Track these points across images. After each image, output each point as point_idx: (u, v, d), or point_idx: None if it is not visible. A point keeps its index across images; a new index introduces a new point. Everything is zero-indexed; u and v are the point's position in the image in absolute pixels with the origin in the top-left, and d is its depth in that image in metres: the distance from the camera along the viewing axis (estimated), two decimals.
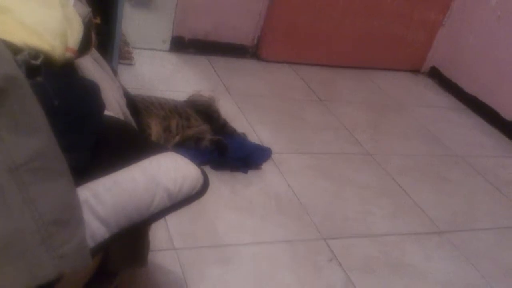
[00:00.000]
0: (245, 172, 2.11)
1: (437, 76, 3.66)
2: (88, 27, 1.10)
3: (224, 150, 2.13)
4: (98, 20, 2.28)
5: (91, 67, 1.24)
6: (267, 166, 2.20)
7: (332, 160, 2.38)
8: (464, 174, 2.56)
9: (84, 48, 1.06)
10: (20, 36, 0.89)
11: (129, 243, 1.17)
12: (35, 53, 0.89)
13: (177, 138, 2.12)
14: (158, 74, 2.82)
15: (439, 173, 2.51)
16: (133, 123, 1.37)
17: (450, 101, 3.42)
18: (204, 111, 2.26)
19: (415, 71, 3.76)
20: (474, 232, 2.12)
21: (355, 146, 2.56)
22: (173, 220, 1.73)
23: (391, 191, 2.26)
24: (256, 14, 3.17)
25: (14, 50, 0.86)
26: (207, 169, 2.00)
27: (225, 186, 2.01)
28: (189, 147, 2.12)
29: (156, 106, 2.11)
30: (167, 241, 1.67)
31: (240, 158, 2.13)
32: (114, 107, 1.25)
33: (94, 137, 0.96)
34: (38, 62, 0.89)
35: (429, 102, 3.36)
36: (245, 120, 2.51)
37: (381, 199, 2.18)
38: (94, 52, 1.32)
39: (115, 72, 1.55)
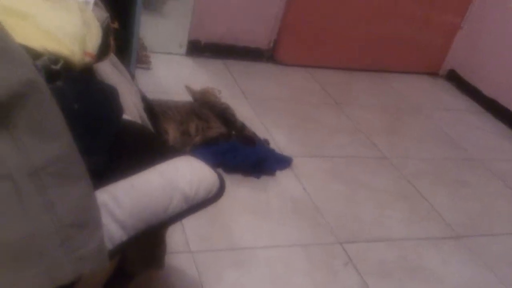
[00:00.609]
0: (258, 177, 2.11)
1: (455, 79, 3.63)
2: (106, 32, 1.12)
3: (253, 143, 2.17)
4: (116, 25, 2.30)
5: (110, 71, 1.26)
6: (282, 170, 2.20)
7: (348, 164, 2.38)
8: (482, 178, 2.53)
9: (102, 52, 1.08)
10: (39, 41, 0.91)
11: (146, 245, 1.19)
12: (55, 58, 0.91)
13: (198, 139, 2.13)
14: (175, 78, 2.84)
15: (456, 176, 2.48)
16: (151, 127, 1.38)
17: (468, 104, 3.39)
18: (221, 114, 2.27)
19: (433, 74, 3.73)
20: (492, 237, 2.10)
21: (371, 150, 2.55)
22: (189, 223, 1.74)
23: (408, 195, 2.24)
24: (272, 18, 3.18)
25: (34, 55, 0.88)
26: (219, 172, 2.01)
27: (240, 190, 2.01)
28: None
29: (173, 110, 2.13)
30: (183, 244, 1.68)
31: (252, 163, 2.13)
32: (132, 111, 1.26)
33: (112, 141, 0.97)
34: (57, 67, 0.91)
35: (447, 105, 3.33)
36: (260, 124, 2.51)
37: (397, 203, 2.17)
38: (112, 56, 1.33)
39: (132, 76, 1.57)
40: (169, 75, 2.85)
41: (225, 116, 2.27)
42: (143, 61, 2.80)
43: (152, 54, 2.91)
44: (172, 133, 2.05)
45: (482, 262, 1.93)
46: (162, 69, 2.87)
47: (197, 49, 3.12)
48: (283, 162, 2.23)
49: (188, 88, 2.42)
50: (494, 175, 2.56)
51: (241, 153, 2.14)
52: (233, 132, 2.26)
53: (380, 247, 1.89)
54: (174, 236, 1.67)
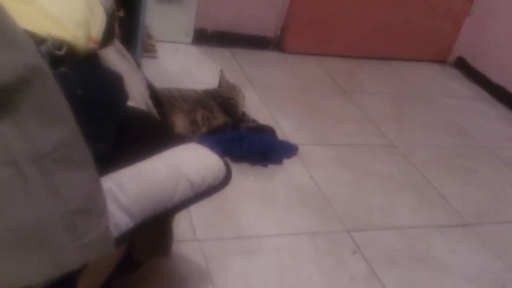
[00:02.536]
0: (264, 166, 2.10)
1: (463, 66, 3.59)
2: (111, 18, 1.11)
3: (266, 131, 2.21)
4: (121, 13, 2.29)
5: (115, 58, 1.24)
6: (289, 158, 2.19)
7: (356, 152, 2.36)
8: (491, 165, 2.51)
9: (107, 39, 1.07)
10: (43, 27, 0.90)
11: (153, 233, 1.18)
12: (59, 44, 0.90)
13: (204, 129, 2.12)
14: (181, 66, 2.82)
15: (465, 164, 2.46)
16: (156, 114, 1.37)
17: (477, 92, 3.35)
18: (223, 104, 2.26)
19: (441, 61, 3.70)
20: (500, 225, 2.08)
21: (379, 138, 2.53)
22: (196, 211, 1.74)
23: (416, 183, 2.23)
24: (279, 5, 3.15)
25: (38, 40, 0.87)
26: (226, 159, 2.01)
27: (247, 178, 2.01)
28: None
29: (179, 100, 2.12)
30: (190, 232, 1.67)
31: (259, 152, 2.12)
32: (137, 98, 1.25)
33: (117, 127, 0.97)
34: (61, 52, 0.90)
35: (455, 93, 3.30)
36: (268, 112, 2.50)
37: (405, 191, 2.15)
38: (117, 43, 1.32)
39: (138, 65, 1.56)
40: (175, 64, 2.83)
41: (226, 106, 2.26)
42: (149, 50, 2.78)
43: (158, 43, 2.89)
44: (181, 123, 2.05)
45: (491, 250, 1.91)
46: (168, 58, 2.86)
47: (203, 37, 3.11)
48: (289, 150, 2.22)
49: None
50: (502, 163, 2.54)
51: (247, 142, 2.13)
52: (233, 122, 2.25)
53: (388, 235, 1.88)
54: (181, 224, 1.67)
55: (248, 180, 2.00)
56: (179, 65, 2.83)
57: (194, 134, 2.09)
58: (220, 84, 2.38)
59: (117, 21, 1.19)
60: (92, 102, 0.91)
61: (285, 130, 2.37)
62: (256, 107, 2.49)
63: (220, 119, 2.20)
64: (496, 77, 3.31)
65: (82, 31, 0.96)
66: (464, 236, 1.96)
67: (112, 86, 1.00)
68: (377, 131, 2.58)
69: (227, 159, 2.02)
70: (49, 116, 0.73)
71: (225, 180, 1.08)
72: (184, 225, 1.69)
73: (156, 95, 1.51)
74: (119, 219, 0.88)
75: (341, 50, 3.38)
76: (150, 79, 1.59)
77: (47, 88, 0.73)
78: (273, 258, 1.66)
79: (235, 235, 1.72)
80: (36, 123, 0.71)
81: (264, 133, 2.24)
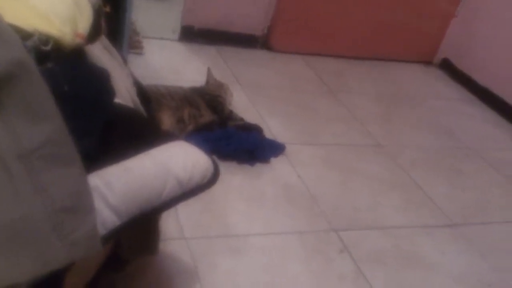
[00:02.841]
0: (252, 164, 2.09)
1: (449, 67, 3.62)
2: (98, 13, 1.09)
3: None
4: (108, 9, 2.27)
5: (101, 54, 1.23)
6: (277, 157, 2.18)
7: (343, 152, 2.36)
8: (477, 167, 2.53)
9: (93, 34, 1.05)
10: (29, 22, 0.88)
11: (140, 231, 1.17)
12: (45, 39, 0.88)
13: (190, 127, 2.11)
14: (168, 63, 2.80)
15: (451, 165, 2.48)
16: (143, 112, 1.36)
17: (462, 93, 3.38)
18: (211, 102, 2.25)
19: (427, 62, 3.72)
20: (486, 225, 2.10)
21: (367, 138, 2.53)
22: (183, 209, 1.72)
23: (403, 183, 2.23)
24: (266, 3, 3.14)
25: (24, 35, 0.85)
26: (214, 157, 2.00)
27: (235, 177, 2.00)
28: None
29: (166, 97, 2.10)
30: (177, 231, 1.66)
31: (247, 151, 2.11)
32: (124, 94, 1.24)
33: (104, 124, 0.95)
34: (48, 47, 0.89)
35: (441, 94, 3.33)
36: (255, 111, 2.49)
37: (392, 191, 2.16)
38: (103, 39, 1.30)
39: (125, 61, 1.54)
40: (162, 61, 2.81)
41: (213, 104, 2.25)
42: (136, 46, 2.76)
43: (145, 39, 2.87)
44: (168, 121, 2.03)
45: (477, 251, 1.92)
46: (154, 55, 2.83)
47: (190, 34, 3.09)
48: (276, 149, 2.21)
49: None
50: (488, 164, 2.56)
51: (234, 141, 2.12)
52: (228, 121, 2.24)
53: (376, 235, 1.88)
54: (168, 223, 1.65)
55: (235, 179, 1.99)
56: (166, 62, 2.81)
57: (181, 132, 2.07)
58: (207, 82, 2.37)
59: (103, 17, 1.17)
60: (78, 98, 0.90)
61: (273, 129, 2.37)
62: (244, 106, 2.48)
63: (207, 116, 2.19)
64: (481, 79, 3.33)
65: (68, 26, 0.94)
66: (450, 236, 1.97)
67: (98, 82, 0.99)
68: (364, 131, 2.58)
69: (215, 157, 2.01)
70: (35, 112, 0.72)
71: (213, 178, 1.07)
72: (171, 224, 1.67)
73: (143, 92, 1.49)
74: (106, 217, 0.87)
75: (328, 49, 3.38)
76: (136, 75, 1.58)
77: (33, 84, 0.72)
78: (261, 257, 1.65)
79: (223, 233, 1.71)
80: (21, 119, 0.70)
81: (251, 131, 2.23)
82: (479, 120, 3.07)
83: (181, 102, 2.12)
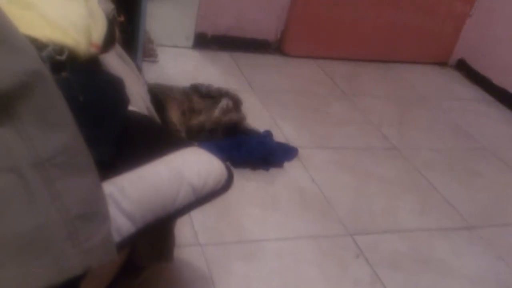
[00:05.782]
0: (266, 169, 2.09)
1: (464, 68, 3.59)
2: (112, 23, 1.11)
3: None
4: (122, 18, 2.29)
5: (116, 62, 1.24)
6: (291, 161, 2.18)
7: (358, 155, 2.35)
8: (494, 168, 2.50)
9: (108, 43, 1.07)
10: (44, 32, 0.90)
11: (155, 238, 1.18)
12: (60, 49, 0.90)
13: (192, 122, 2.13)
14: (182, 70, 2.82)
15: (468, 167, 2.45)
16: (157, 119, 1.37)
17: (478, 94, 3.35)
18: (207, 95, 2.24)
19: (442, 63, 3.69)
20: (505, 228, 2.07)
21: (381, 141, 2.52)
22: (198, 216, 1.73)
23: (419, 186, 2.22)
24: (279, 9, 3.15)
25: (39, 45, 0.87)
26: (227, 163, 2.00)
27: (248, 182, 2.00)
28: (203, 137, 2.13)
29: (172, 90, 2.14)
30: (192, 237, 1.67)
31: (260, 157, 2.11)
32: (138, 102, 1.25)
33: (119, 132, 0.96)
34: (63, 57, 0.90)
35: (456, 95, 3.30)
36: (268, 116, 2.50)
37: (408, 194, 2.15)
38: (118, 48, 1.32)
39: (139, 69, 1.56)
40: (176, 68, 2.83)
41: (210, 95, 2.24)
42: (150, 54, 2.78)
43: (159, 47, 2.89)
44: (175, 113, 2.04)
45: (495, 253, 1.90)
46: (168, 62, 2.85)
47: (204, 41, 3.10)
48: (289, 153, 2.21)
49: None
50: (505, 165, 2.53)
51: (246, 148, 2.12)
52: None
53: (392, 239, 1.87)
54: (183, 229, 1.66)
55: (250, 184, 1.99)
56: (180, 69, 2.83)
57: (185, 124, 2.09)
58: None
59: (117, 26, 1.19)
60: (93, 107, 0.91)
61: (286, 134, 2.37)
62: (257, 111, 2.48)
63: (203, 115, 2.19)
64: (498, 79, 3.30)
65: (83, 36, 0.96)
66: (468, 239, 1.95)
67: (113, 90, 1.00)
68: (379, 134, 2.57)
69: (229, 163, 2.02)
70: (50, 122, 0.73)
71: (227, 184, 1.08)
72: (186, 230, 1.68)
73: (157, 99, 1.51)
74: (121, 224, 0.88)
75: (341, 53, 3.37)
76: (151, 83, 1.59)
77: (48, 93, 0.73)
78: (275, 262, 1.65)
79: (237, 239, 1.71)
80: (37, 128, 0.71)
81: (260, 137, 2.23)
82: (495, 120, 3.03)
83: (184, 95, 2.15)
